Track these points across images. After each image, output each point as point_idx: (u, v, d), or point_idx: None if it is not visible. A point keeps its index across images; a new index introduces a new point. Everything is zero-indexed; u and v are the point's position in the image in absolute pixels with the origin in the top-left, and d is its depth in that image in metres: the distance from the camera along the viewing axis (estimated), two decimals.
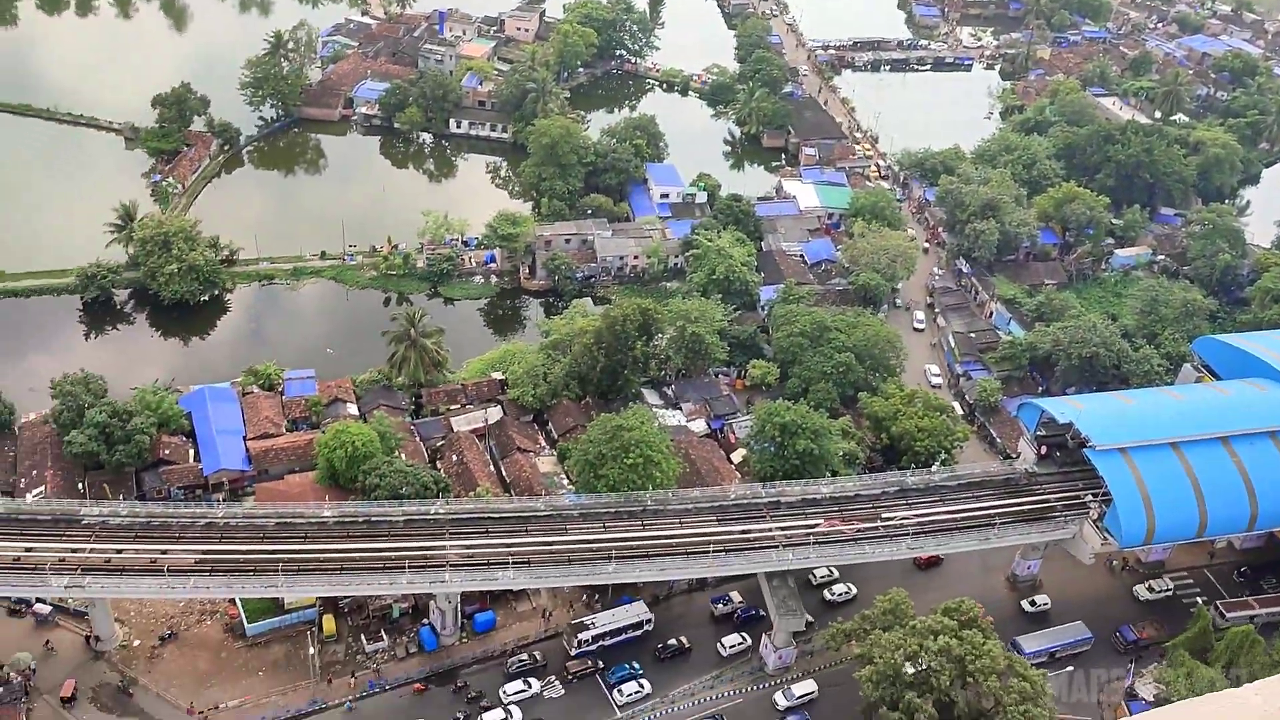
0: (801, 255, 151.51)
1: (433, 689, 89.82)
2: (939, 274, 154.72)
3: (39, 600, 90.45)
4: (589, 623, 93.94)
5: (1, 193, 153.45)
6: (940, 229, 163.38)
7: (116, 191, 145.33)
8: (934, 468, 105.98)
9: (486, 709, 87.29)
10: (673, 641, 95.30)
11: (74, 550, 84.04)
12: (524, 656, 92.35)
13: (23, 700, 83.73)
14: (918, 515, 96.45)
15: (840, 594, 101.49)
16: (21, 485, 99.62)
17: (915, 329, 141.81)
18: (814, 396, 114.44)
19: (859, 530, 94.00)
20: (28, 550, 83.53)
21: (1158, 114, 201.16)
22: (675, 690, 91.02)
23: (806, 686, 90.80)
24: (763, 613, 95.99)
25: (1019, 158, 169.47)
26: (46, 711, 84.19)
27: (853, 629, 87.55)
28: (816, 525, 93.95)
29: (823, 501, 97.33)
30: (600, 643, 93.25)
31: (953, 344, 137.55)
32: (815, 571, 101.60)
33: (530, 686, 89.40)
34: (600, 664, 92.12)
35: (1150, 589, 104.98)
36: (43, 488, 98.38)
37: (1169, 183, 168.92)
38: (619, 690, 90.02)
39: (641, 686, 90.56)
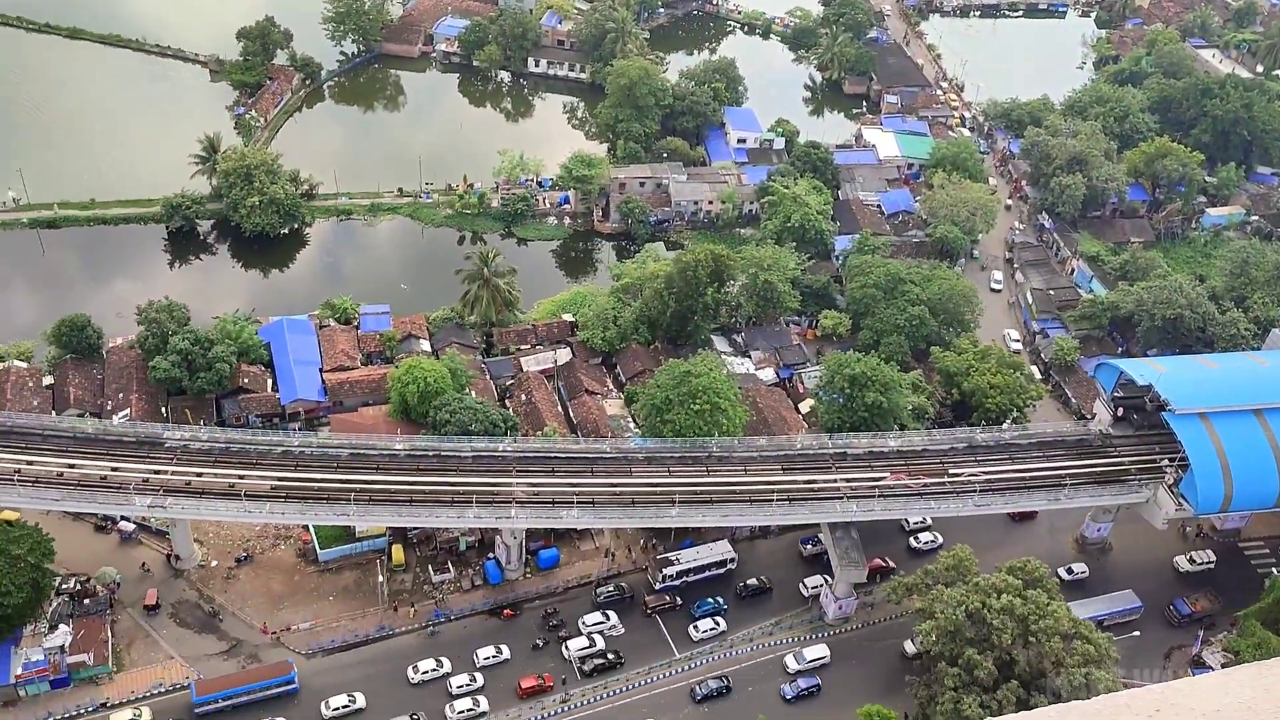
0: (879, 205, 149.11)
1: (519, 618, 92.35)
2: (1020, 229, 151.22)
3: (123, 518, 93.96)
4: (674, 558, 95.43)
5: (92, 122, 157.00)
6: (1024, 182, 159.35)
7: (201, 123, 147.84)
8: (1005, 425, 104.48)
9: (565, 638, 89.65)
10: (753, 580, 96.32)
11: (157, 472, 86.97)
12: (611, 588, 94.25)
13: (108, 612, 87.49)
14: (986, 472, 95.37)
15: (927, 542, 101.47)
16: (108, 407, 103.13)
17: (992, 289, 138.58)
18: (885, 349, 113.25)
19: (925, 485, 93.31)
20: (114, 470, 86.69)
21: (1260, 68, 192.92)
22: (735, 635, 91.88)
23: (818, 650, 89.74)
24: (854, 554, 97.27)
25: (1111, 110, 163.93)
26: (129, 623, 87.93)
27: (915, 583, 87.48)
28: (883, 478, 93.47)
29: (890, 455, 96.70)
30: (685, 578, 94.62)
31: (1030, 301, 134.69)
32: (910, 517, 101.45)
33: (609, 619, 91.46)
34: (679, 600, 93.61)
35: (1191, 560, 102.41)
36: (128, 410, 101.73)
37: (1267, 140, 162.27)
38: (695, 626, 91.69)
39: (716, 624, 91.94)
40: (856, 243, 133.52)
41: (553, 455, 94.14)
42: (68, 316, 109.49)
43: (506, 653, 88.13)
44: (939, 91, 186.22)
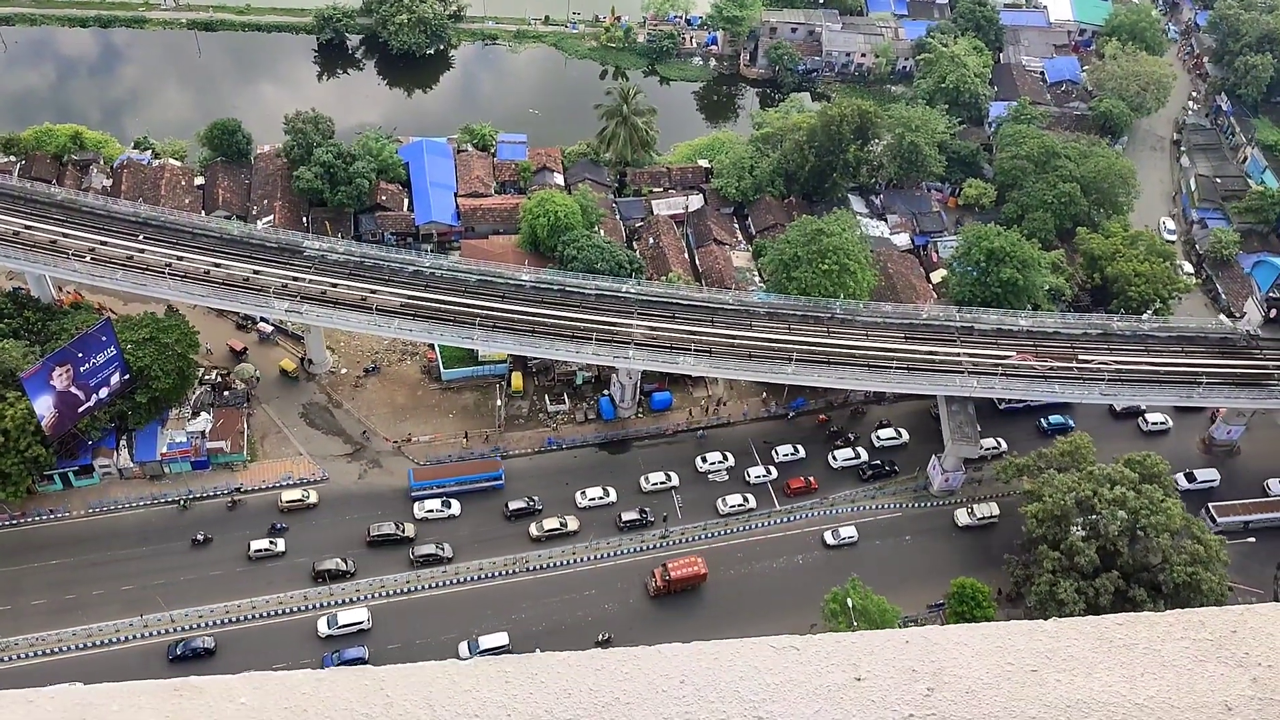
0: (1042, 73, 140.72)
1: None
2: (1193, 109, 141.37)
3: (263, 320, 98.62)
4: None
5: None
6: (1205, 59, 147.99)
7: None
8: (1145, 316, 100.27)
9: (838, 446, 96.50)
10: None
11: (295, 279, 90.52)
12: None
13: (245, 405, 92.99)
14: (1118, 361, 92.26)
15: (1155, 423, 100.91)
16: (254, 212, 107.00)
17: (1165, 238, 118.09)
18: (1029, 225, 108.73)
19: (1052, 368, 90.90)
20: (256, 273, 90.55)
21: None
22: (837, 494, 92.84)
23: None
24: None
25: None
26: (264, 418, 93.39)
27: (1026, 465, 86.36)
28: (1008, 357, 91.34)
29: (1018, 334, 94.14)
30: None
31: (1193, 188, 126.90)
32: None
33: (900, 434, 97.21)
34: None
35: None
36: (272, 217, 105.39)
37: None
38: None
39: (998, 443, 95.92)
40: (1013, 110, 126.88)
41: (674, 301, 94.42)
42: (220, 120, 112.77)
43: (801, 450, 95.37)
44: None
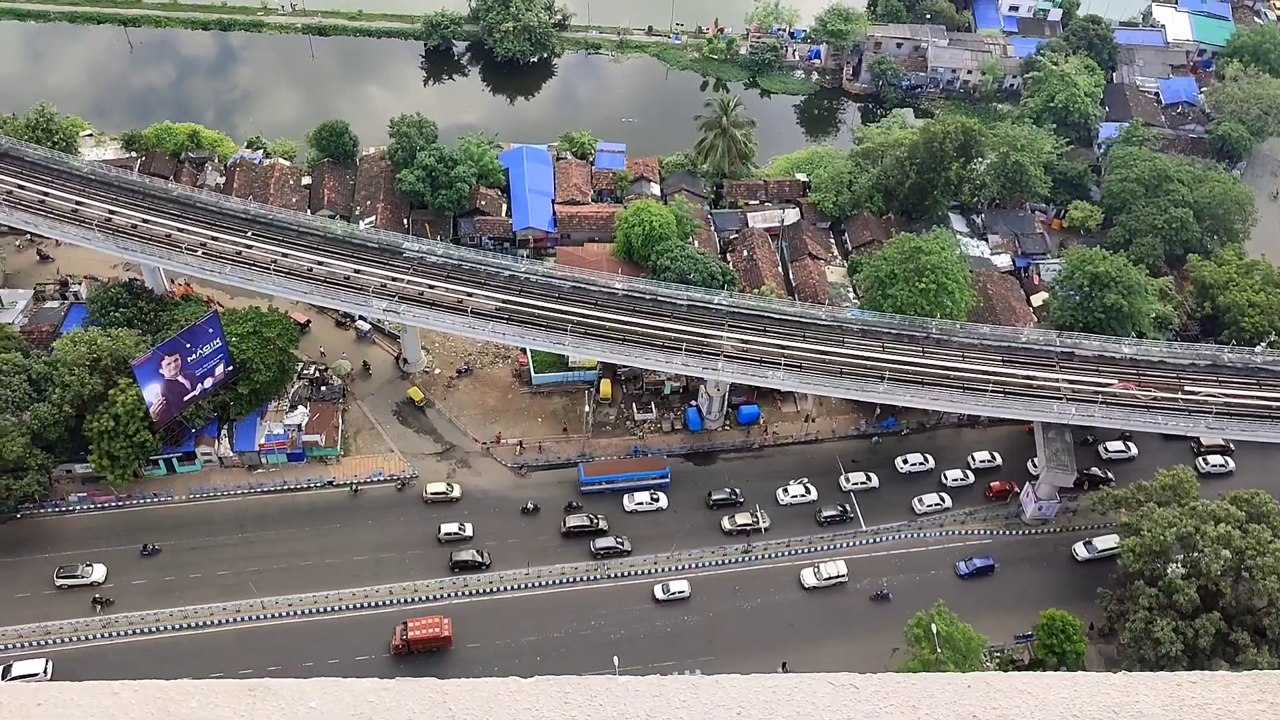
0: (1156, 93, 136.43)
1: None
2: None
3: (361, 318, 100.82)
4: None
5: None
6: None
7: None
8: (1259, 348, 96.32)
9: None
10: None
11: (394, 279, 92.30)
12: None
13: (340, 400, 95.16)
14: (1227, 395, 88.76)
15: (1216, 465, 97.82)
16: (356, 212, 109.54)
17: None
18: (1136, 250, 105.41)
19: (1156, 398, 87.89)
20: (356, 271, 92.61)
21: None
22: (924, 514, 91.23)
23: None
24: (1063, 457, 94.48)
25: None
26: (358, 414, 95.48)
27: (1125, 497, 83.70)
28: (1109, 385, 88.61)
29: (1121, 362, 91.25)
30: None
31: None
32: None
33: (1129, 448, 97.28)
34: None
35: None
36: (374, 218, 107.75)
37: None
38: (1204, 459, 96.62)
39: (1225, 463, 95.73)
40: (1124, 132, 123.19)
41: (766, 314, 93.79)
42: (328, 122, 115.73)
43: (998, 458, 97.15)
44: None
